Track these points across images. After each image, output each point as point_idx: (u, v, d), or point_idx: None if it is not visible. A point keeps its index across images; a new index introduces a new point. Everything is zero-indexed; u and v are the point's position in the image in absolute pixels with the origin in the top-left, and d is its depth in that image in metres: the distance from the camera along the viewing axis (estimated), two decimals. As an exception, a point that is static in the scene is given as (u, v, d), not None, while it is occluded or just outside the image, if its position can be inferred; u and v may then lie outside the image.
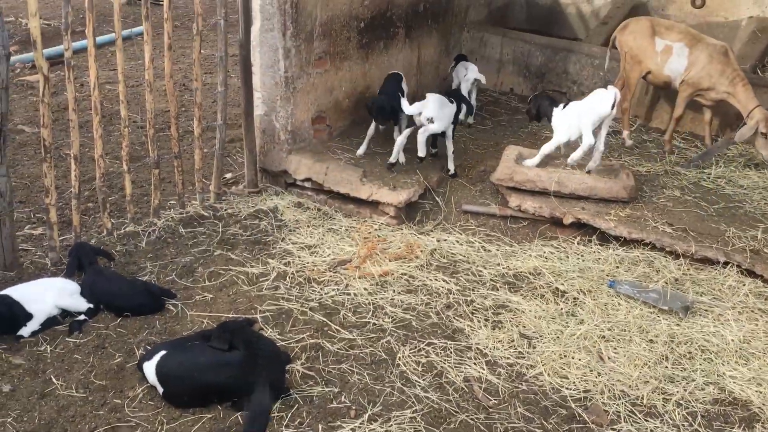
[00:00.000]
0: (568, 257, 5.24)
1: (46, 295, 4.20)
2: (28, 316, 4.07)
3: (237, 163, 6.66)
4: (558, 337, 4.35)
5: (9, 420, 3.49)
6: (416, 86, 7.80)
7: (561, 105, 5.75)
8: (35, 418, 3.52)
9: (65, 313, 4.28)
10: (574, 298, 4.74)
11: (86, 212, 5.58)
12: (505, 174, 5.68)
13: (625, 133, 6.99)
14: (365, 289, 4.79)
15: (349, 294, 4.73)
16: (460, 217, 5.77)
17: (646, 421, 3.73)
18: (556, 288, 4.85)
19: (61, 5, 4.63)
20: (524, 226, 5.66)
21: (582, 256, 5.26)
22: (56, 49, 8.71)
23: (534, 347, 4.27)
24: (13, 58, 8.66)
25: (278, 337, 4.22)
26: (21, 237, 5.07)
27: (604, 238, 5.39)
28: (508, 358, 4.17)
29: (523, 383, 3.98)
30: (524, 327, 4.45)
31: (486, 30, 8.56)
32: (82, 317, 4.28)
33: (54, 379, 3.76)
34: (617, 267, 5.08)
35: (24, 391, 3.71)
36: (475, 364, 4.11)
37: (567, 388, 3.94)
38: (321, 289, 4.77)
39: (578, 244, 5.40)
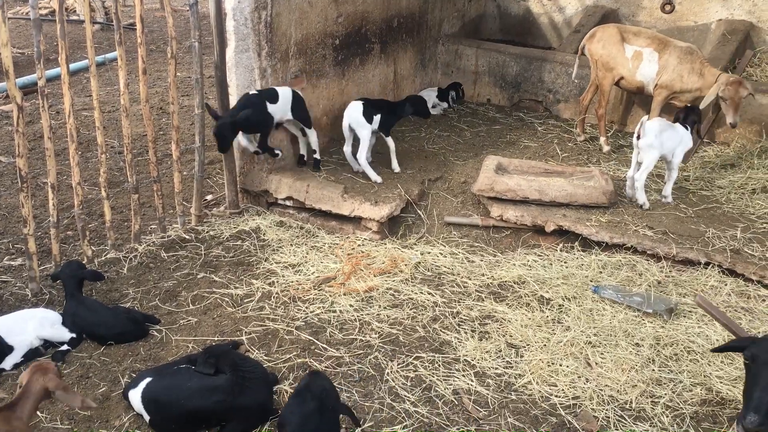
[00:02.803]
0: (551, 264, 5.26)
1: (27, 326, 4.14)
2: (9, 348, 4.01)
3: (217, 185, 6.63)
4: (545, 345, 4.35)
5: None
6: (394, 100, 7.83)
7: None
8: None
9: (47, 344, 4.22)
10: (560, 305, 4.76)
11: (66, 240, 5.52)
12: (485, 184, 5.71)
13: (602, 139, 7.06)
14: (351, 305, 4.77)
15: (334, 311, 4.71)
16: (443, 229, 5.78)
17: (636, 425, 3.74)
18: (541, 296, 4.87)
19: (33, 34, 4.59)
20: (507, 235, 5.68)
21: (565, 262, 5.28)
22: (30, 78, 8.66)
23: (522, 356, 4.27)
24: (-14, 88, 8.59)
25: (265, 358, 4.19)
26: (0, 268, 5.00)
27: (587, 243, 5.42)
28: (496, 368, 4.17)
29: (513, 393, 3.98)
30: (511, 336, 4.46)
31: (460, 42, 8.63)
32: (64, 347, 4.22)
33: (38, 413, 3.69)
34: (600, 272, 5.11)
35: (7, 425, 3.64)
36: (463, 376, 4.10)
37: (556, 396, 3.94)
38: (306, 307, 4.75)
39: (561, 251, 5.43)
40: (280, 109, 5.71)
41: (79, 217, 5.11)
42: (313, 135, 6.08)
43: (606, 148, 7.01)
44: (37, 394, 3.15)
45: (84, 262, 5.12)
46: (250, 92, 5.59)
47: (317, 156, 6.17)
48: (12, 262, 5.22)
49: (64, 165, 6.49)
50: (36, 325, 4.17)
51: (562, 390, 3.98)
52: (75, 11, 13.82)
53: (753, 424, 2.79)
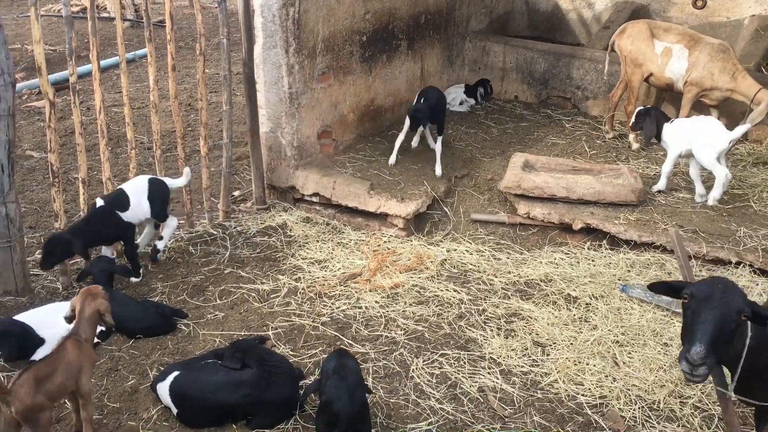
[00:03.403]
0: (578, 263, 5.21)
1: (58, 320, 4.19)
2: (41, 341, 4.08)
3: (245, 181, 6.68)
4: (572, 344, 4.32)
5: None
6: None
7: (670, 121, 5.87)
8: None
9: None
10: (587, 304, 4.71)
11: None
12: (512, 182, 5.67)
13: (632, 136, 6.97)
14: (376, 301, 4.78)
15: (360, 307, 4.72)
16: (469, 227, 5.76)
17: (664, 425, 3.69)
18: (568, 294, 4.83)
19: (65, 31, 4.66)
20: (534, 233, 5.64)
21: (593, 261, 5.23)
22: (61, 74, 8.80)
23: (548, 354, 4.24)
24: (19, 85, 8.75)
25: (291, 353, 4.22)
26: (32, 262, 5.09)
27: (615, 242, 5.37)
28: (522, 366, 4.15)
29: (539, 391, 3.95)
30: (537, 334, 4.43)
31: (488, 39, 8.58)
32: (94, 340, 4.28)
33: (67, 404, 3.75)
34: (628, 271, 5.05)
35: (39, 416, 3.70)
36: (489, 373, 4.08)
37: (583, 395, 3.91)
38: (332, 303, 4.77)
39: (588, 249, 5.37)
40: (136, 214, 4.98)
41: (109, 211, 5.17)
42: (172, 223, 5.24)
43: (635, 146, 6.93)
44: (91, 317, 3.47)
45: (113, 256, 5.19)
46: (98, 203, 4.86)
47: (161, 246, 5.22)
48: (44, 256, 5.29)
49: (94, 160, 6.58)
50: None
51: (589, 389, 3.95)
52: (105, 8, 14.00)
53: (699, 354, 2.64)
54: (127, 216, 4.91)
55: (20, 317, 4.14)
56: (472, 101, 8.17)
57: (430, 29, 7.69)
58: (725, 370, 3.07)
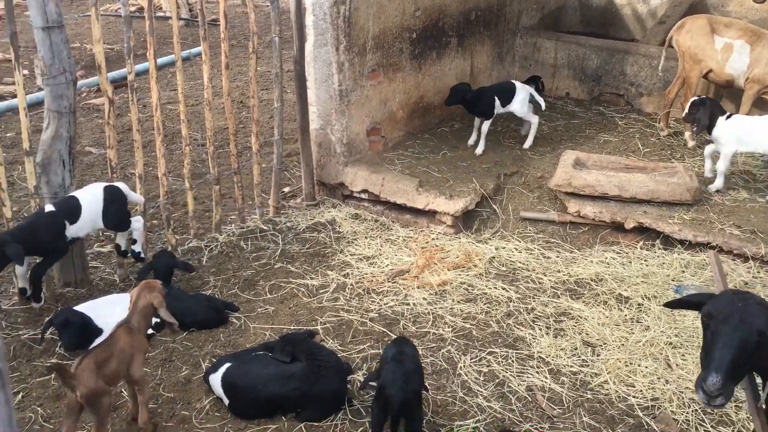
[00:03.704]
0: (630, 262, 5.12)
1: (115, 310, 4.33)
2: (99, 331, 4.21)
3: (294, 177, 6.76)
4: (623, 345, 4.25)
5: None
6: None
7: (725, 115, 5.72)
8: (107, 430, 3.63)
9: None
10: (639, 304, 4.63)
11: (151, 229, 5.75)
12: (563, 179, 5.61)
13: (687, 134, 6.80)
14: (424, 298, 4.78)
15: (408, 304, 4.74)
16: (519, 225, 5.71)
17: (719, 429, 3.61)
18: (620, 294, 4.75)
19: (123, 30, 4.80)
20: (584, 231, 5.57)
21: (645, 261, 5.13)
22: (119, 73, 9.04)
23: (598, 355, 4.19)
24: (79, 83, 9.02)
25: (339, 348, 4.26)
26: (90, 254, 5.26)
27: (668, 242, 5.25)
28: (571, 366, 4.10)
29: (588, 392, 3.90)
30: (587, 334, 4.37)
31: (539, 35, 8.48)
32: (149, 331, 4.40)
33: (124, 392, 3.87)
34: (683, 271, 4.95)
35: (97, 403, 3.83)
36: (537, 372, 4.05)
37: (634, 397, 3.84)
38: (380, 299, 4.80)
39: (641, 248, 5.28)
40: (86, 225, 4.51)
41: (164, 206, 5.31)
42: (137, 225, 4.87)
43: (691, 144, 6.76)
44: (144, 309, 3.57)
45: (168, 250, 5.32)
46: (45, 209, 4.40)
47: (139, 248, 4.91)
48: (101, 249, 5.47)
49: (150, 157, 6.75)
50: (123, 309, 4.34)
51: (641, 391, 3.88)
52: (160, 8, 14.32)
53: (715, 386, 2.42)
54: (73, 228, 4.41)
55: (80, 308, 4.27)
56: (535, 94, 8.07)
57: (480, 26, 7.64)
58: (758, 379, 2.90)
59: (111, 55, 10.54)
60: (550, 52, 8.37)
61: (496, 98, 6.45)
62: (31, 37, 9.68)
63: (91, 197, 4.54)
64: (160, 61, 9.76)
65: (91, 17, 4.60)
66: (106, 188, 4.64)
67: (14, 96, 8.53)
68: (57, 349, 4.23)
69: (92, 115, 8.58)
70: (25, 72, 6.21)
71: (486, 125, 6.51)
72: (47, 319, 4.24)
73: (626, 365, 4.07)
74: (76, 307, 4.30)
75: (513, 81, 6.78)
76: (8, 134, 7.78)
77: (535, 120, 6.69)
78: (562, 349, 4.24)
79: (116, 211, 4.65)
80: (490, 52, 8.00)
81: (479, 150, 6.49)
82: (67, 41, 4.46)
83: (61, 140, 4.51)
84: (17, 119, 7.43)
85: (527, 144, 6.72)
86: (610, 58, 8.01)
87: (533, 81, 8.18)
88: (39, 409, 3.77)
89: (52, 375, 3.77)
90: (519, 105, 6.53)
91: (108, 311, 4.26)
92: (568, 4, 9.63)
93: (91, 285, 4.92)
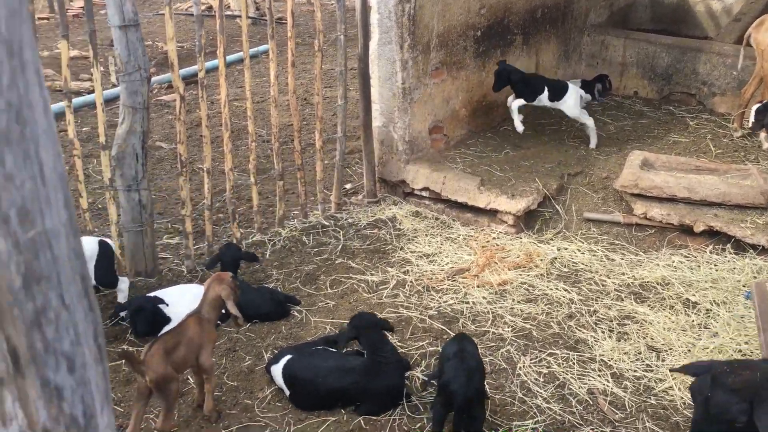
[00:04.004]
0: (699, 267, 4.97)
1: (183, 300, 4.47)
2: (167, 320, 4.35)
3: (356, 174, 6.82)
4: (689, 351, 4.14)
5: (151, 417, 3.75)
6: (534, 93, 7.69)
7: None
8: (174, 416, 3.76)
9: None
10: (707, 310, 4.50)
11: (217, 222, 5.90)
12: (629, 180, 5.48)
13: (763, 135, 6.55)
14: (484, 297, 4.76)
15: (467, 302, 4.73)
16: (582, 225, 5.62)
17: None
18: (687, 299, 4.62)
19: (193, 29, 4.94)
20: (651, 234, 5.43)
21: (715, 265, 4.97)
22: (189, 70, 9.29)
23: (663, 360, 4.09)
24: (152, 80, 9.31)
25: (398, 343, 4.28)
26: (160, 246, 5.44)
27: (740, 246, 5.08)
28: (634, 370, 4.01)
29: (652, 397, 3.82)
30: (652, 339, 4.27)
31: (607, 32, 8.30)
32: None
33: (190, 379, 4.00)
34: (754, 277, 4.77)
35: (164, 389, 3.97)
36: (599, 376, 3.98)
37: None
38: (439, 297, 4.80)
39: (711, 253, 5.12)
40: None
41: (230, 201, 5.45)
42: (123, 286, 4.67)
43: (766, 145, 6.51)
44: (214, 301, 3.67)
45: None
46: None
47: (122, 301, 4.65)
48: (170, 241, 5.65)
49: (216, 152, 6.93)
50: (191, 300, 4.48)
51: (707, 399, 3.77)
52: (228, 7, 14.65)
53: None
54: None
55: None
56: (589, 97, 7.93)
57: (547, 23, 7.54)
58: None
59: (181, 53, 10.83)
60: (619, 50, 8.18)
61: (546, 88, 6.34)
62: (105, 35, 10.01)
63: (85, 249, 4.44)
64: (228, 58, 9.99)
65: (165, 16, 4.75)
66: (100, 242, 4.53)
67: (90, 92, 8.90)
68: (128, 335, 4.39)
69: (162, 111, 8.85)
70: (101, 69, 6.46)
71: (517, 103, 6.31)
72: (119, 304, 4.41)
73: (692, 372, 3.96)
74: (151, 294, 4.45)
75: (567, 81, 6.68)
76: (84, 129, 8.10)
77: (590, 122, 6.55)
78: (625, 353, 4.16)
79: (108, 267, 4.56)
80: (555, 50, 7.89)
81: (519, 127, 6.35)
82: (142, 39, 4.63)
83: (135, 135, 4.68)
84: (92, 114, 7.74)
85: (592, 144, 6.60)
86: (681, 56, 7.78)
87: (600, 80, 8.02)
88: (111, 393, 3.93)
89: (122, 361, 3.92)
90: (570, 105, 6.40)
91: (176, 301, 4.40)
92: (638, 1, 9.40)
93: (160, 275, 5.08)
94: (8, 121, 0.79)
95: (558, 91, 6.37)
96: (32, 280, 0.83)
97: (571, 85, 6.49)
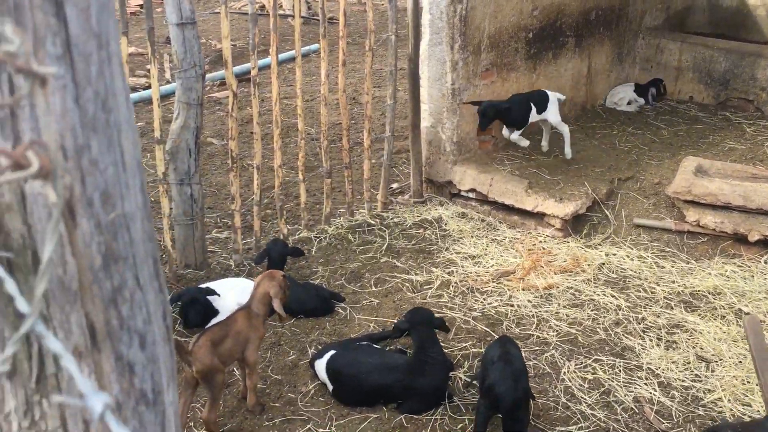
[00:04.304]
0: (753, 277, 4.85)
1: (231, 294, 4.55)
2: (215, 312, 4.44)
3: (403, 174, 6.84)
4: (740, 362, 4.04)
5: (197, 406, 3.83)
6: (585, 96, 7.60)
7: None
8: (219, 406, 3.83)
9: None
10: (761, 321, 4.37)
11: (265, 218, 5.98)
12: (682, 187, 5.37)
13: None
14: (529, 301, 4.73)
15: (512, 305, 4.70)
16: (631, 231, 5.53)
17: None
18: (739, 309, 4.51)
19: (247, 27, 5.03)
20: (703, 242, 5.32)
21: (770, 276, 4.84)
22: (241, 67, 9.44)
23: (713, 371, 4.00)
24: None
25: (442, 344, 4.27)
26: (209, 239, 5.55)
27: (797, 257, 4.93)
28: (683, 380, 3.94)
29: (700, 408, 3.74)
30: (702, 349, 4.18)
31: (663, 36, 8.14)
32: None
33: (235, 370, 4.07)
34: (809, 291, 4.63)
35: (210, 379, 4.05)
36: (646, 384, 3.92)
37: (750, 417, 3.64)
38: (484, 299, 4.78)
39: (766, 263, 4.98)
40: None
41: (278, 197, 5.52)
42: None
43: (827, 154, 6.31)
44: (262, 297, 3.73)
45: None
46: None
47: None
48: (219, 235, 5.76)
49: (266, 149, 7.03)
50: (238, 293, 4.57)
51: (758, 411, 3.67)
52: (281, 6, 14.84)
53: None
54: None
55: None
56: (642, 101, 7.81)
57: (600, 26, 7.44)
58: None
59: (234, 51, 11.02)
60: (674, 54, 8.02)
61: (532, 105, 5.98)
62: (159, 33, 10.22)
63: None
64: (280, 57, 10.13)
65: (220, 14, 4.85)
66: None
67: (145, 88, 9.12)
68: (177, 326, 4.49)
69: (214, 108, 9.02)
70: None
71: (516, 135, 5.97)
72: (172, 294, 4.52)
73: (743, 383, 3.87)
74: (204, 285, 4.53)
75: (544, 90, 6.28)
76: (139, 123, 8.31)
77: (566, 130, 6.20)
78: (673, 362, 4.08)
79: None
80: (609, 52, 7.77)
81: (524, 142, 6.00)
82: (198, 37, 4.73)
83: (188, 130, 4.78)
84: (147, 110, 7.93)
85: (567, 153, 6.27)
86: (740, 61, 7.58)
87: (654, 84, 7.88)
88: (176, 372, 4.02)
89: (171, 350, 4.00)
90: (553, 113, 6.10)
91: (224, 294, 4.48)
92: (696, 5, 9.19)
93: (209, 268, 5.19)
94: (95, 110, 0.83)
95: (542, 102, 6.06)
96: (111, 260, 0.87)
97: (549, 93, 6.18)
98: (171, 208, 5.04)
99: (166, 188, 4.95)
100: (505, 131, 6.05)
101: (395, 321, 4.52)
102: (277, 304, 3.70)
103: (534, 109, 5.98)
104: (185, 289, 4.53)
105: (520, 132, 5.98)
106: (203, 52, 10.55)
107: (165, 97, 8.09)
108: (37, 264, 0.82)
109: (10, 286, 0.69)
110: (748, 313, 4.32)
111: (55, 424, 0.89)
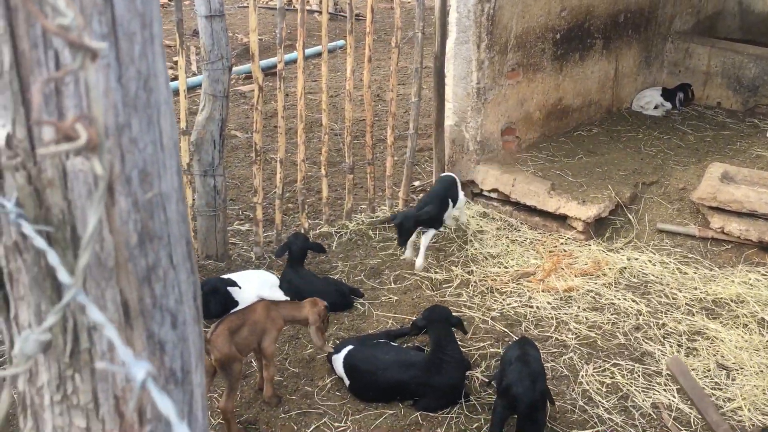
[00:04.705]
0: (777, 286, 4.78)
1: (250, 286, 4.58)
2: (235, 303, 4.47)
3: (425, 172, 6.84)
4: (762, 371, 3.99)
5: (215, 395, 3.86)
6: (612, 99, 7.54)
7: None
8: (236, 396, 3.86)
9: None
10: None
11: (286, 212, 6.01)
12: (707, 193, 5.31)
13: None
14: (548, 302, 4.71)
15: (531, 306, 4.68)
16: (654, 236, 5.48)
17: None
18: (762, 318, 4.46)
19: (273, 22, 5.05)
20: (727, 249, 5.25)
21: (795, 286, 4.77)
22: (267, 62, 9.49)
23: (733, 379, 3.95)
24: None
25: (459, 343, 4.27)
26: (230, 231, 5.59)
27: (823, 268, 4.86)
28: (703, 388, 3.89)
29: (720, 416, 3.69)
30: (723, 357, 4.14)
31: (692, 40, 8.05)
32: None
33: (253, 362, 4.09)
34: (835, 302, 4.56)
35: (228, 370, 4.08)
36: (665, 390, 3.89)
37: (771, 428, 3.60)
38: (503, 299, 4.77)
39: (790, 272, 4.91)
40: None
41: (300, 191, 5.54)
42: None
43: None
44: (298, 316, 3.79)
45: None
46: None
47: None
48: (240, 227, 5.80)
49: (289, 143, 7.06)
50: (257, 285, 4.60)
51: (779, 423, 3.63)
52: (308, 2, 14.89)
53: None
54: None
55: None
56: (669, 105, 7.73)
57: (629, 28, 7.37)
58: None
59: (260, 45, 11.08)
60: (703, 59, 7.93)
61: (449, 199, 5.24)
62: (186, 25, 10.28)
63: None
64: (306, 52, 10.17)
65: (249, 8, 4.87)
66: None
67: (172, 79, 9.20)
68: (196, 315, 4.53)
69: (239, 101, 9.07)
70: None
71: (429, 236, 5.14)
72: None
73: (764, 393, 3.82)
74: (226, 276, 4.57)
75: (450, 173, 5.66)
76: (164, 115, 8.37)
77: (431, 233, 5.19)
78: (693, 369, 4.03)
79: None
80: (636, 56, 7.71)
81: (420, 264, 5.09)
82: (226, 30, 4.76)
83: (214, 122, 4.82)
84: (173, 101, 7.98)
85: (419, 266, 5.12)
86: (770, 67, 7.48)
87: (682, 88, 7.80)
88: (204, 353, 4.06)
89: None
90: (462, 201, 5.50)
91: (244, 286, 4.51)
92: (726, 10, 9.07)
93: (229, 259, 5.22)
94: (137, 89, 0.85)
95: (455, 193, 5.36)
96: (146, 239, 0.88)
97: (453, 175, 5.59)
98: (194, 199, 5.08)
99: (190, 179, 4.99)
100: (407, 252, 5.22)
101: (413, 318, 4.54)
102: (313, 332, 3.75)
103: (451, 203, 5.25)
104: (206, 279, 4.57)
105: (434, 233, 5.22)
106: (230, 46, 10.60)
107: (191, 89, 8.17)
108: (75, 239, 0.83)
109: (53, 258, 0.70)
110: (672, 355, 4.15)
111: (87, 398, 0.91)
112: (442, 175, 5.68)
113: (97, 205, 0.65)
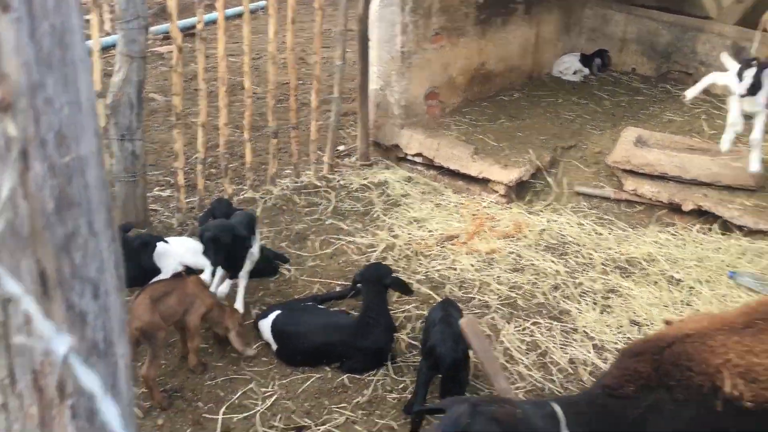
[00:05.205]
0: (685, 245, 5.04)
1: (174, 250, 4.47)
2: (157, 271, 4.37)
3: (350, 136, 6.81)
4: (671, 326, 4.21)
5: (138, 364, 3.77)
6: (533, 64, 7.67)
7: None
8: (160, 364, 3.79)
9: (189, 270, 4.55)
10: (690, 287, 4.57)
11: (209, 177, 5.88)
12: (622, 156, 5.52)
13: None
14: (472, 265, 4.81)
15: (455, 269, 4.77)
16: (572, 199, 5.66)
17: None
18: (671, 276, 4.70)
19: (196, -21, 4.86)
20: (639, 210, 5.49)
21: (701, 244, 5.05)
22: (185, 22, 9.14)
23: (644, 334, 4.16)
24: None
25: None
26: (151, 198, 5.42)
27: (727, 227, 5.15)
28: (616, 343, 4.09)
29: (631, 369, 3.89)
30: (635, 313, 4.35)
31: (610, 7, 8.26)
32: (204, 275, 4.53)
33: (178, 333, 4.02)
34: (739, 258, 4.85)
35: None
36: (580, 346, 4.06)
37: (678, 378, 3.82)
38: (428, 263, 4.84)
39: (698, 232, 5.18)
40: None
41: (223, 156, 5.43)
42: None
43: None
44: (214, 319, 3.79)
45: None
46: None
47: None
48: (161, 193, 5.64)
49: (211, 107, 6.87)
50: (181, 252, 4.50)
51: (685, 373, 3.85)
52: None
53: None
54: None
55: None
56: (587, 71, 7.94)
57: (549, -6, 7.49)
58: None
59: (179, 4, 10.66)
60: (620, 25, 8.16)
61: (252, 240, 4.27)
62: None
63: None
64: (226, 12, 9.84)
65: (165, -36, 4.67)
66: None
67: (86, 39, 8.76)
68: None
69: (157, 63, 8.74)
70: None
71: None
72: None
73: (672, 346, 4.04)
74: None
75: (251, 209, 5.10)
76: (76, 76, 7.98)
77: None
78: (607, 326, 4.23)
79: None
80: (557, 21, 7.85)
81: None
82: (141, -13, 4.55)
83: (131, 84, 4.63)
84: (86, 62, 7.61)
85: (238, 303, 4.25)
86: (682, 34, 7.77)
87: (599, 54, 8.00)
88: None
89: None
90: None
91: (167, 252, 4.40)
92: (641, -22, 9.31)
93: (150, 226, 5.08)
94: (51, 45, 0.79)
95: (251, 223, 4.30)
96: (64, 205, 0.84)
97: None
98: (111, 165, 4.89)
99: (107, 143, 4.80)
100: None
101: (339, 283, 4.56)
102: (233, 336, 3.77)
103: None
104: (137, 234, 4.44)
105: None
106: (146, 4, 10.13)
107: (105, 49, 7.80)
108: (-14, 207, 0.78)
109: (-38, 227, 0.66)
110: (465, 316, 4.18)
111: (2, 374, 0.87)
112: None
113: (10, 170, 0.62)
